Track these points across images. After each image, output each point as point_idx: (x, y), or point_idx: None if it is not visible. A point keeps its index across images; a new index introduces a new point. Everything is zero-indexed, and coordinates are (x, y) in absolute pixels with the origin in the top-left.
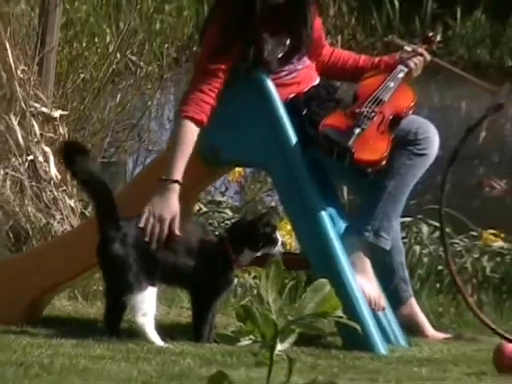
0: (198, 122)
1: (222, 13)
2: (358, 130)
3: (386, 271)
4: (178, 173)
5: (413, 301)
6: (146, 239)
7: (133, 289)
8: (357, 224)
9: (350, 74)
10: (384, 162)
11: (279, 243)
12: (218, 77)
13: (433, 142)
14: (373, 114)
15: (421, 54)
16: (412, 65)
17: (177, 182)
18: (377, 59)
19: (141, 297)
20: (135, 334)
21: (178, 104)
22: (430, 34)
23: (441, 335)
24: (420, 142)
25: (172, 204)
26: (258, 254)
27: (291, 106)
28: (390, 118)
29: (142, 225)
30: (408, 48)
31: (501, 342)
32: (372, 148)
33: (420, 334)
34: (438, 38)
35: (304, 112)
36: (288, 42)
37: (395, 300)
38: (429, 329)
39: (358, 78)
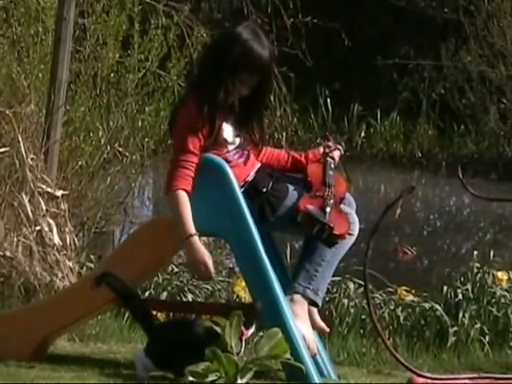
0: (186, 192)
1: (195, 103)
2: (328, 209)
3: None
4: (191, 228)
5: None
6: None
7: None
8: (300, 283)
9: (284, 167)
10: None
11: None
12: (195, 154)
13: (357, 226)
14: (332, 196)
15: (338, 149)
16: (336, 157)
17: (194, 234)
18: (304, 153)
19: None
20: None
21: (167, 181)
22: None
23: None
24: (351, 225)
25: (203, 251)
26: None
27: (252, 186)
28: (338, 199)
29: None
30: (333, 145)
31: (412, 376)
32: (340, 224)
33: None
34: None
35: (263, 191)
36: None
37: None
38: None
39: (292, 170)
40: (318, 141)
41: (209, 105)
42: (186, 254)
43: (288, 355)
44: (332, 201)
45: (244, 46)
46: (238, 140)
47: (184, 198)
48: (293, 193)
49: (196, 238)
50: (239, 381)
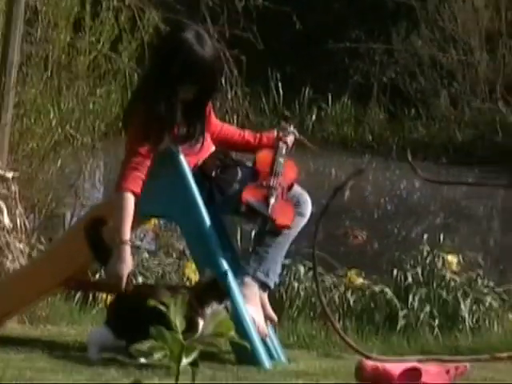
0: (135, 194)
1: (145, 108)
2: (272, 201)
3: None
4: (126, 234)
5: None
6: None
7: None
8: (252, 265)
9: (237, 145)
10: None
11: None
12: (148, 157)
13: (309, 206)
14: (277, 186)
15: (293, 133)
16: (289, 142)
17: (126, 242)
18: (259, 134)
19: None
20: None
21: (117, 181)
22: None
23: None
24: (301, 206)
25: (127, 263)
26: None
27: (200, 171)
28: (286, 187)
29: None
30: (288, 129)
31: (361, 359)
32: (285, 214)
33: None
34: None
35: (213, 175)
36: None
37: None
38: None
39: (244, 149)
40: (279, 122)
41: (155, 117)
42: (112, 256)
43: (233, 333)
44: (278, 191)
45: (188, 55)
46: (189, 130)
47: (129, 202)
48: (241, 180)
49: (127, 247)
50: (184, 360)
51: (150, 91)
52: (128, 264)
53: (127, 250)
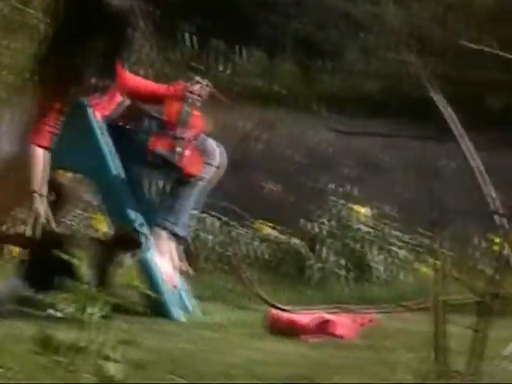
0: (44, 147)
1: (58, 60)
2: (179, 150)
3: None
4: (35, 185)
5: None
6: None
7: None
8: (161, 216)
9: (146, 97)
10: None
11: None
12: (59, 110)
13: (217, 156)
14: (183, 136)
15: (202, 84)
16: (198, 93)
17: (34, 192)
18: (168, 86)
19: None
20: None
21: (27, 133)
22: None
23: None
24: (210, 156)
25: (38, 211)
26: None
27: (109, 122)
28: (194, 137)
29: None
30: (199, 81)
31: (272, 310)
32: (192, 163)
33: None
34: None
35: (121, 126)
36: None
37: None
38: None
39: (153, 100)
40: (189, 74)
41: (67, 69)
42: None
43: (140, 284)
44: (185, 140)
45: (100, 6)
46: (99, 82)
47: (36, 155)
48: (149, 130)
49: (36, 196)
50: (89, 310)
51: (63, 43)
52: (38, 213)
53: (37, 199)
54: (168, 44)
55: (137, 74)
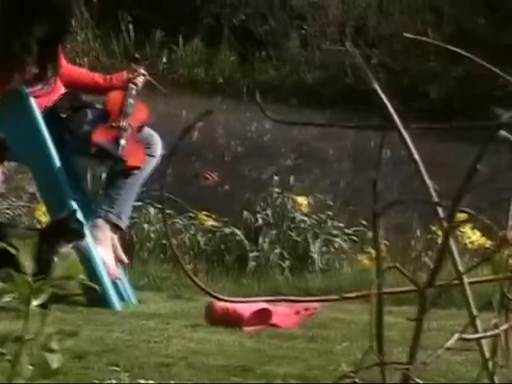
0: None
1: None
2: (123, 142)
3: None
4: None
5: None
6: None
7: None
8: (102, 207)
9: (88, 87)
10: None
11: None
12: None
13: (159, 147)
14: (127, 127)
15: (143, 75)
16: (139, 83)
17: None
18: (109, 76)
19: None
20: None
21: None
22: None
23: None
24: (152, 147)
25: None
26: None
27: (51, 112)
28: (137, 128)
29: None
30: (140, 71)
31: (211, 300)
32: (135, 155)
33: None
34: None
35: (63, 117)
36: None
37: None
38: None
39: (95, 91)
40: (129, 64)
41: (6, 56)
42: None
43: (82, 276)
44: (128, 132)
45: None
46: (39, 72)
47: None
48: (91, 121)
49: None
50: (34, 302)
51: (2, 29)
52: None
53: None
54: (108, 33)
55: (78, 63)
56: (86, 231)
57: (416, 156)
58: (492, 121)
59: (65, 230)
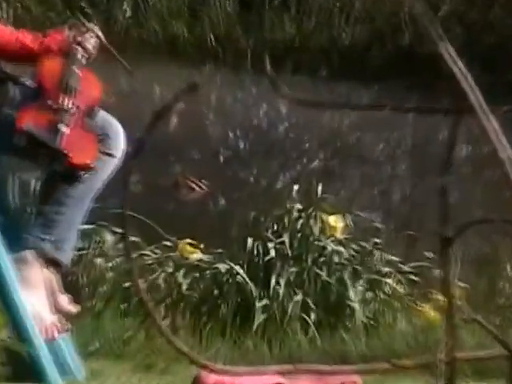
0: None
1: None
2: (64, 128)
3: None
4: None
5: None
6: None
7: None
8: (33, 233)
9: (12, 54)
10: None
11: None
12: None
13: (121, 141)
14: (71, 107)
15: (96, 34)
16: (89, 46)
17: None
18: (43, 36)
19: None
20: None
21: None
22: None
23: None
24: (110, 141)
25: None
26: None
27: None
28: (86, 110)
29: None
30: (90, 27)
31: (200, 371)
32: (83, 149)
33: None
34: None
35: None
36: None
37: None
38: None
39: (23, 58)
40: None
41: None
42: None
43: (6, 337)
44: (73, 115)
45: None
46: None
47: None
48: (17, 100)
49: None
50: None
51: None
52: None
53: None
54: None
55: None
56: (9, 269)
57: (506, 152)
58: None
59: None
